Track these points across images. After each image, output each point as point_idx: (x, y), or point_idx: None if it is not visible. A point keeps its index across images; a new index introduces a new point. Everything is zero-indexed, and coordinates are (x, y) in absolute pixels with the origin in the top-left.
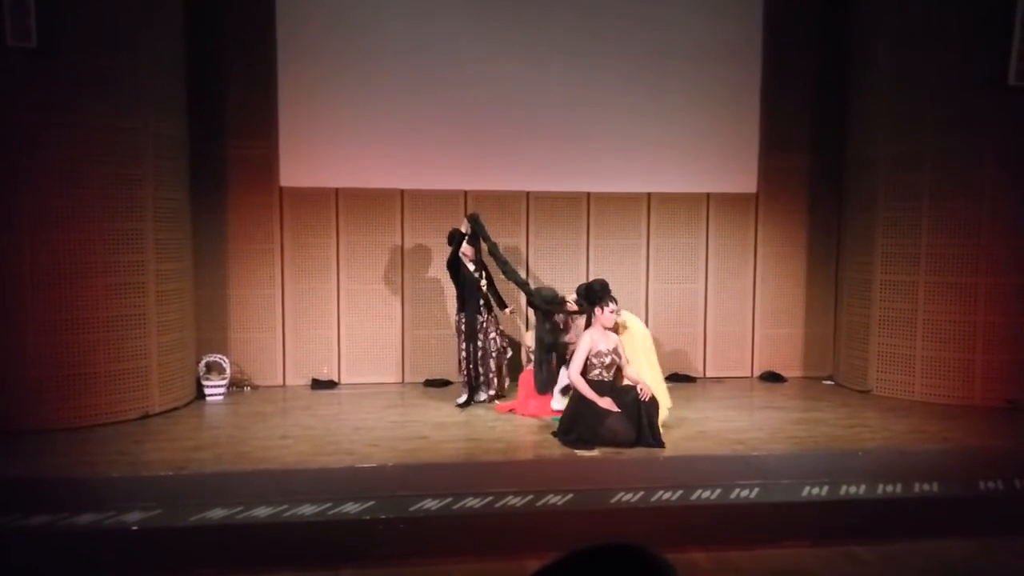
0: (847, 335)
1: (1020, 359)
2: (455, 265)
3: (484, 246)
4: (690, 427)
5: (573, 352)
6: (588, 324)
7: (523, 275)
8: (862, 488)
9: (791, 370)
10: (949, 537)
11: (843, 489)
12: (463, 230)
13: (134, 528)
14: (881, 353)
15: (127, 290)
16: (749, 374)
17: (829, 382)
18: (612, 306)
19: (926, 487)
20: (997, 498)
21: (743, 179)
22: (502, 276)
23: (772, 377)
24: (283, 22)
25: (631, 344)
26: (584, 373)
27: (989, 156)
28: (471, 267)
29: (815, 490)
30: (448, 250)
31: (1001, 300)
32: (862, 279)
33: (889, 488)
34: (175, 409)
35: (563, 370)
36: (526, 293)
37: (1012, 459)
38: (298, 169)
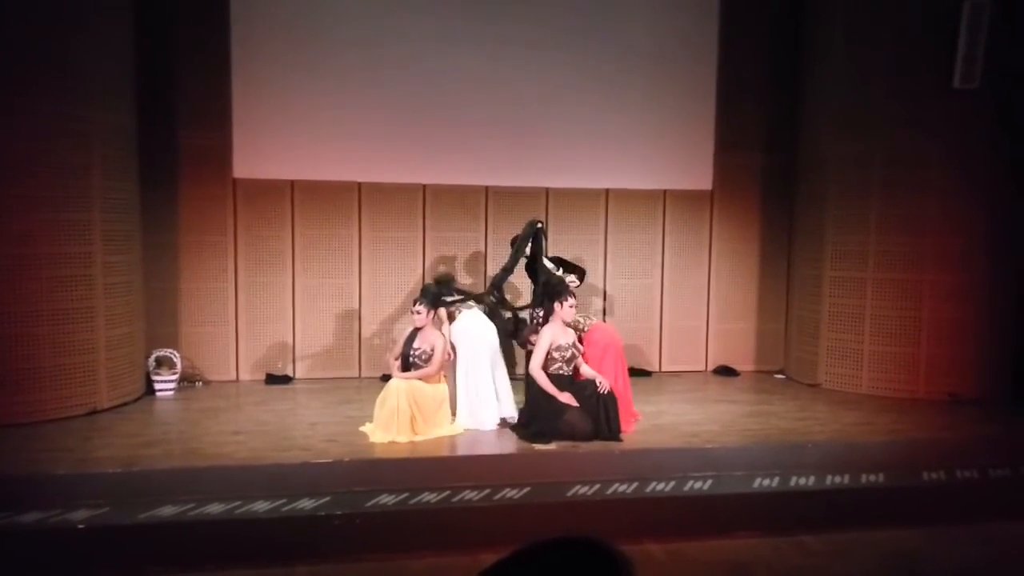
0: (798, 330)
1: (961, 354)
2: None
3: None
4: (645, 420)
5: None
6: (547, 320)
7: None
8: (812, 479)
9: (744, 364)
10: (895, 527)
11: (793, 480)
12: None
13: (81, 527)
14: (831, 348)
15: (73, 283)
16: (703, 368)
17: (781, 376)
18: (571, 301)
19: (872, 478)
20: (940, 488)
21: (699, 176)
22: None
23: (725, 371)
24: (237, 9)
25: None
26: (544, 367)
27: (936, 156)
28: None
29: (766, 482)
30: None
31: (945, 296)
32: (812, 275)
33: (838, 479)
34: (124, 405)
35: (492, 398)
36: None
37: (954, 451)
38: (252, 160)
